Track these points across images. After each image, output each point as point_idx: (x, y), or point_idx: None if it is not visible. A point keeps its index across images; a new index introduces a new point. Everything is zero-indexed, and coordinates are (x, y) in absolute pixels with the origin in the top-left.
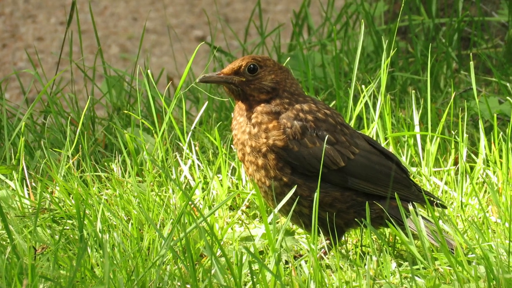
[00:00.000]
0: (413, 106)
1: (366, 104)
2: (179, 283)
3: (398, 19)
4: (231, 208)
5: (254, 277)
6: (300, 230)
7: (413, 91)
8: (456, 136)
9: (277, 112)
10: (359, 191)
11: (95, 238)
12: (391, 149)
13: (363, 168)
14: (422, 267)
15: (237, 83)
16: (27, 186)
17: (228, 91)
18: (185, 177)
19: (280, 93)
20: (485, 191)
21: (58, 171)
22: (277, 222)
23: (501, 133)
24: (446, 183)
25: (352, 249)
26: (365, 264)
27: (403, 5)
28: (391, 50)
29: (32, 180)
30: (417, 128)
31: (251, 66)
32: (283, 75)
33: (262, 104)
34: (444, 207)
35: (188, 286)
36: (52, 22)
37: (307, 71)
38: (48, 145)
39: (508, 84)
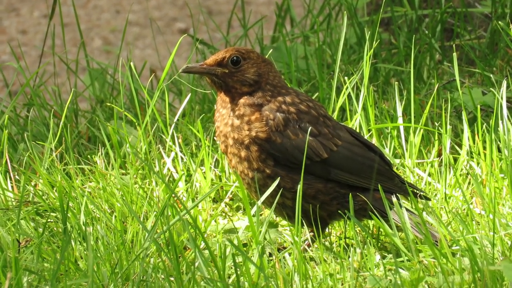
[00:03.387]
0: (396, 98)
1: (349, 95)
2: (162, 276)
3: (381, 10)
4: (214, 201)
5: (238, 269)
6: (283, 222)
7: (396, 83)
8: (440, 128)
9: (260, 104)
10: (342, 183)
11: (78, 231)
12: (374, 141)
13: (346, 159)
14: (406, 259)
15: (220, 74)
16: (10, 179)
17: (211, 83)
18: (168, 169)
19: (262, 86)
20: (469, 183)
21: (41, 164)
22: (261, 214)
23: (485, 124)
24: (429, 175)
25: (336, 241)
26: (349, 257)
27: None
28: (374, 42)
29: (16, 173)
30: (400, 120)
31: (235, 58)
32: (266, 68)
33: (245, 97)
34: (427, 199)
35: (171, 278)
36: (36, 15)
37: (290, 63)
38: (31, 138)
39: (491, 75)
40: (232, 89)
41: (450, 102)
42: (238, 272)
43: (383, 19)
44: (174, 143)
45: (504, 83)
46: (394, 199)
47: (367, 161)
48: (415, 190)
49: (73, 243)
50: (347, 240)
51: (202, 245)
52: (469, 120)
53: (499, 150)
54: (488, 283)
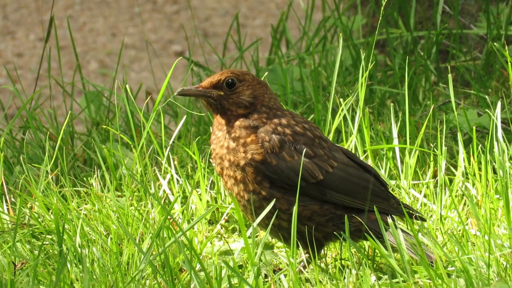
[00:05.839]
0: (391, 119)
1: (344, 117)
2: None
3: (376, 32)
4: (210, 222)
5: None
6: (279, 244)
7: (392, 104)
8: (435, 149)
9: (255, 126)
10: (337, 204)
11: (74, 253)
12: (369, 162)
13: (341, 181)
14: (402, 280)
15: (215, 97)
16: (6, 201)
17: (206, 105)
18: (164, 191)
19: (258, 107)
20: (465, 204)
21: (37, 186)
22: (256, 236)
23: (480, 145)
24: (425, 196)
25: (332, 263)
26: (344, 278)
27: (380, 18)
28: (370, 64)
29: (11, 195)
30: (395, 141)
31: (230, 80)
32: (262, 90)
33: (241, 119)
34: (423, 220)
35: None
36: (31, 38)
37: (285, 85)
38: (27, 161)
39: (486, 97)
40: (228, 111)
41: (445, 123)
42: None
43: (378, 41)
44: (169, 165)
45: (499, 104)
46: (389, 220)
47: (363, 182)
48: (411, 211)
49: (68, 265)
50: (342, 261)
51: (198, 267)
52: (465, 141)
53: (494, 171)
54: None
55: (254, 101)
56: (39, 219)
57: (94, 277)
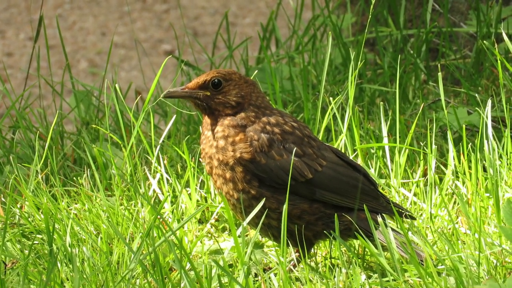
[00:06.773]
0: (381, 118)
1: (334, 116)
2: None
3: (366, 30)
4: (200, 222)
5: None
6: (269, 243)
7: (382, 103)
8: (425, 148)
9: (244, 125)
10: (327, 203)
11: (64, 253)
12: (359, 161)
13: (330, 180)
14: (392, 279)
15: (202, 97)
16: None
17: (194, 106)
18: (154, 191)
19: (245, 107)
20: (455, 202)
21: (27, 186)
22: (246, 235)
23: (470, 144)
24: (415, 195)
25: (322, 262)
26: (334, 277)
27: (370, 16)
28: (359, 62)
29: (1, 195)
30: (385, 140)
31: (215, 80)
32: (249, 89)
33: (229, 118)
34: (413, 218)
35: None
36: (21, 37)
37: (275, 83)
38: (17, 160)
39: (476, 95)
40: (215, 111)
41: (435, 122)
42: None
43: (368, 40)
44: (159, 164)
45: (489, 103)
46: (379, 218)
47: (352, 181)
48: (401, 210)
49: (59, 265)
50: (332, 260)
51: (188, 266)
52: (455, 139)
53: (484, 170)
54: None
55: (241, 100)
56: (29, 219)
57: (84, 276)
